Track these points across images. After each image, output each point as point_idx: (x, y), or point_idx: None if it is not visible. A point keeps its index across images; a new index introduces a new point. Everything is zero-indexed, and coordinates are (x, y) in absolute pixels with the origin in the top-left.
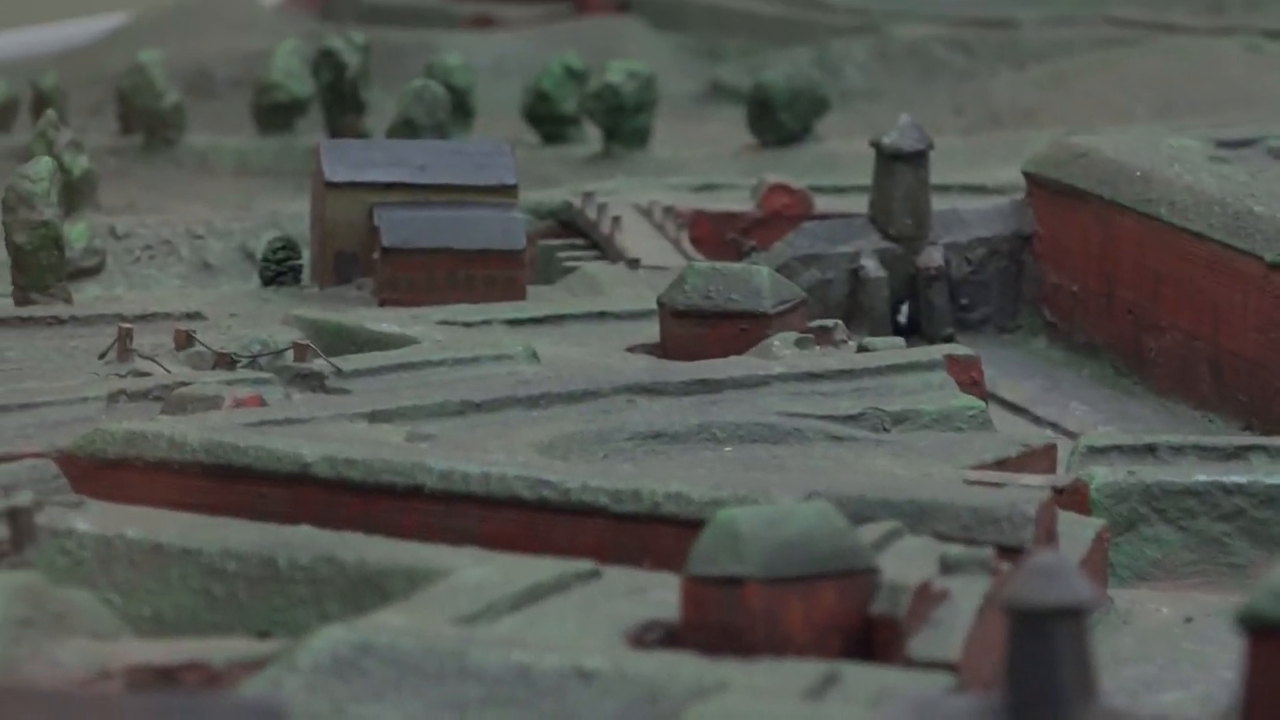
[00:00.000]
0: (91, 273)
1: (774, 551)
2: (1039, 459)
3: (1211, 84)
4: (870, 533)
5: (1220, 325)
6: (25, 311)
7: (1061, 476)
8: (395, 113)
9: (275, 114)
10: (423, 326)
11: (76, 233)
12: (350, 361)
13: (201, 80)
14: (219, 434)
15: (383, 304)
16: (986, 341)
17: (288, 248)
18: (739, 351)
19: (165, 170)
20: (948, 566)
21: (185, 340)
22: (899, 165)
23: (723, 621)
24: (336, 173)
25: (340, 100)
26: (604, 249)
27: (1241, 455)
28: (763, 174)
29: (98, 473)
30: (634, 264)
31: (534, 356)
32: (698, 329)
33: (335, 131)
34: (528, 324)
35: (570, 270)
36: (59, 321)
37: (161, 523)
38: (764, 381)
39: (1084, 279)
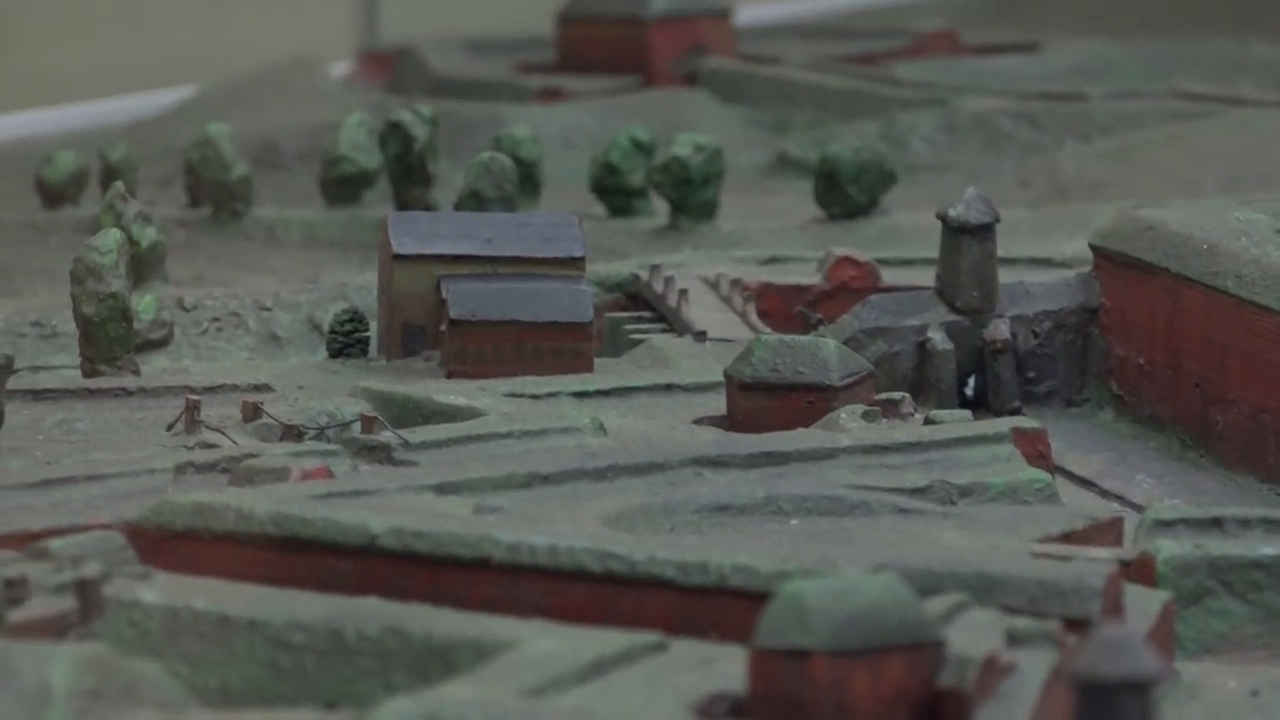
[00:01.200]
0: (159, 345)
1: (840, 624)
2: (1105, 532)
3: (1279, 157)
4: (937, 605)
5: None
6: (93, 383)
7: (1128, 549)
8: (463, 185)
9: (343, 186)
10: (490, 399)
11: (144, 305)
12: (417, 434)
13: (269, 153)
14: (286, 506)
15: (450, 376)
16: (1053, 414)
17: (355, 320)
18: (806, 424)
19: (233, 242)
20: (1014, 639)
21: (253, 412)
22: (966, 238)
23: (789, 694)
24: (404, 245)
25: (408, 173)
26: (671, 322)
27: None
28: (830, 247)
29: (165, 544)
30: (701, 337)
31: (601, 429)
32: (764, 402)
33: (403, 204)
34: (595, 396)
35: (637, 343)
36: (127, 393)
37: (229, 594)
38: (831, 454)
39: (1151, 352)
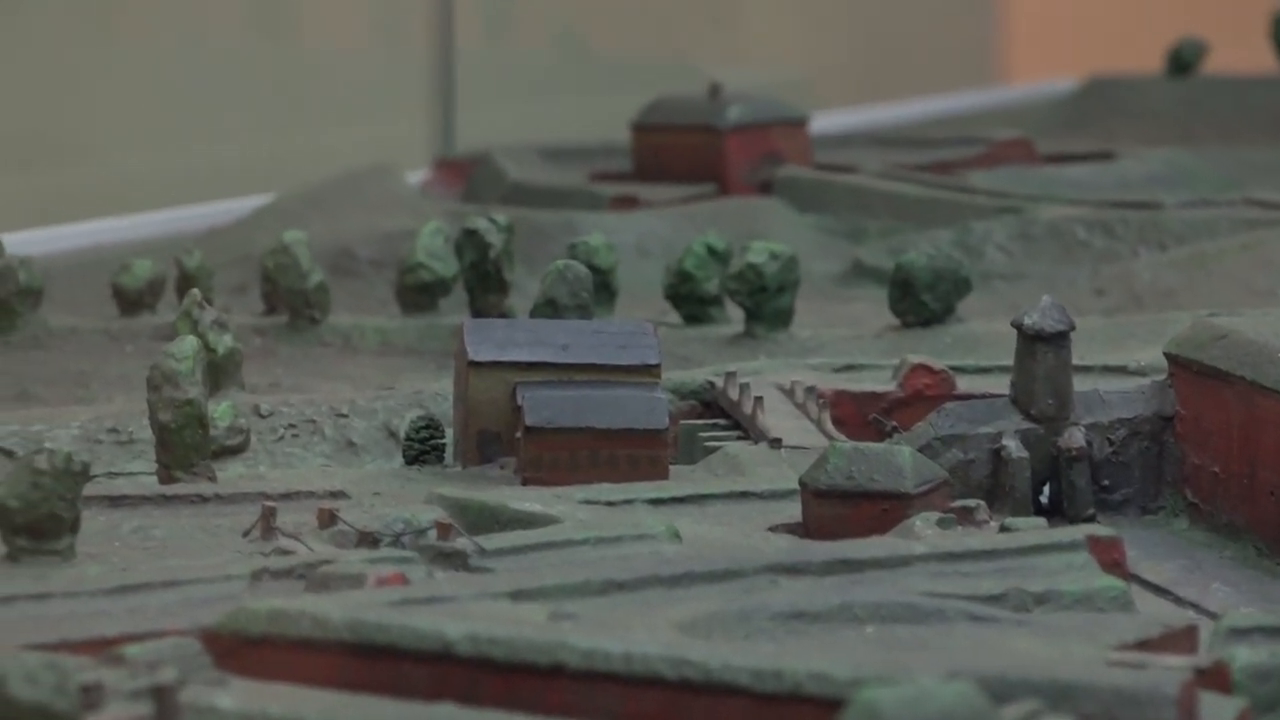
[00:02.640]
0: (235, 451)
1: None
2: (1181, 640)
3: None
4: (1012, 713)
5: None
6: (170, 490)
7: (1203, 657)
8: (538, 292)
9: (419, 294)
10: (565, 505)
11: (221, 411)
12: (493, 540)
13: (345, 260)
14: (362, 612)
15: (525, 483)
16: (1128, 522)
17: (431, 427)
18: (881, 531)
19: (309, 350)
20: None
21: (329, 519)
22: (1041, 346)
23: None
24: (480, 352)
25: (484, 280)
26: (746, 429)
27: None
28: (904, 354)
29: (241, 651)
30: (776, 444)
31: (676, 536)
32: (840, 509)
33: (478, 311)
34: (670, 503)
35: (712, 450)
36: (203, 500)
37: (304, 701)
38: (906, 561)
39: (1226, 460)
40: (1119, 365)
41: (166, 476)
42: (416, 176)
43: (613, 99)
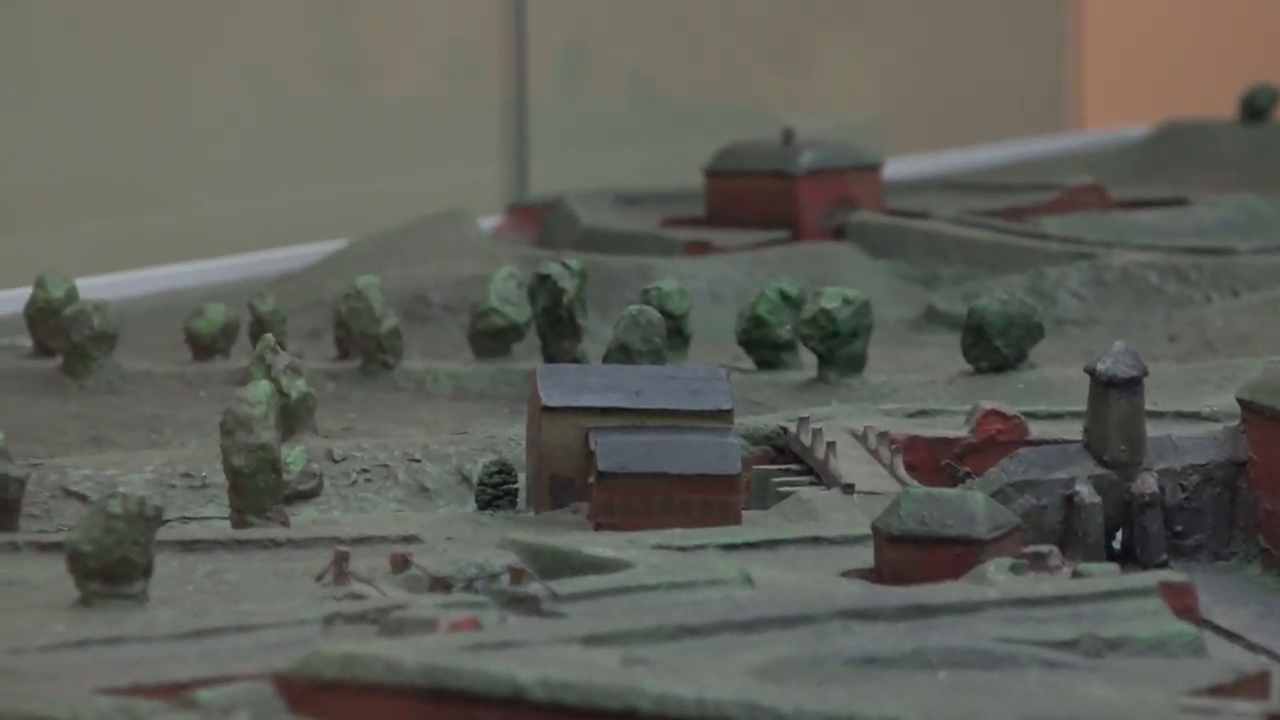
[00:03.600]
0: (309, 496)
1: None
2: (1253, 685)
3: None
4: None
5: None
6: (243, 534)
7: (1276, 702)
8: (611, 338)
9: (492, 339)
10: (638, 550)
11: (294, 456)
12: (565, 585)
13: (418, 305)
14: (435, 657)
15: (598, 528)
16: (1201, 568)
17: (504, 472)
18: (953, 577)
19: (382, 394)
20: None
21: (401, 563)
22: (1114, 392)
23: None
24: (553, 397)
25: (556, 325)
26: (819, 474)
27: None
28: (977, 400)
29: (314, 695)
30: (848, 489)
31: (748, 581)
32: (912, 554)
33: (551, 356)
34: (742, 549)
35: (785, 495)
36: (276, 544)
37: None
38: (978, 607)
39: None
40: (1192, 411)
41: (240, 521)
42: (490, 222)
43: (686, 144)
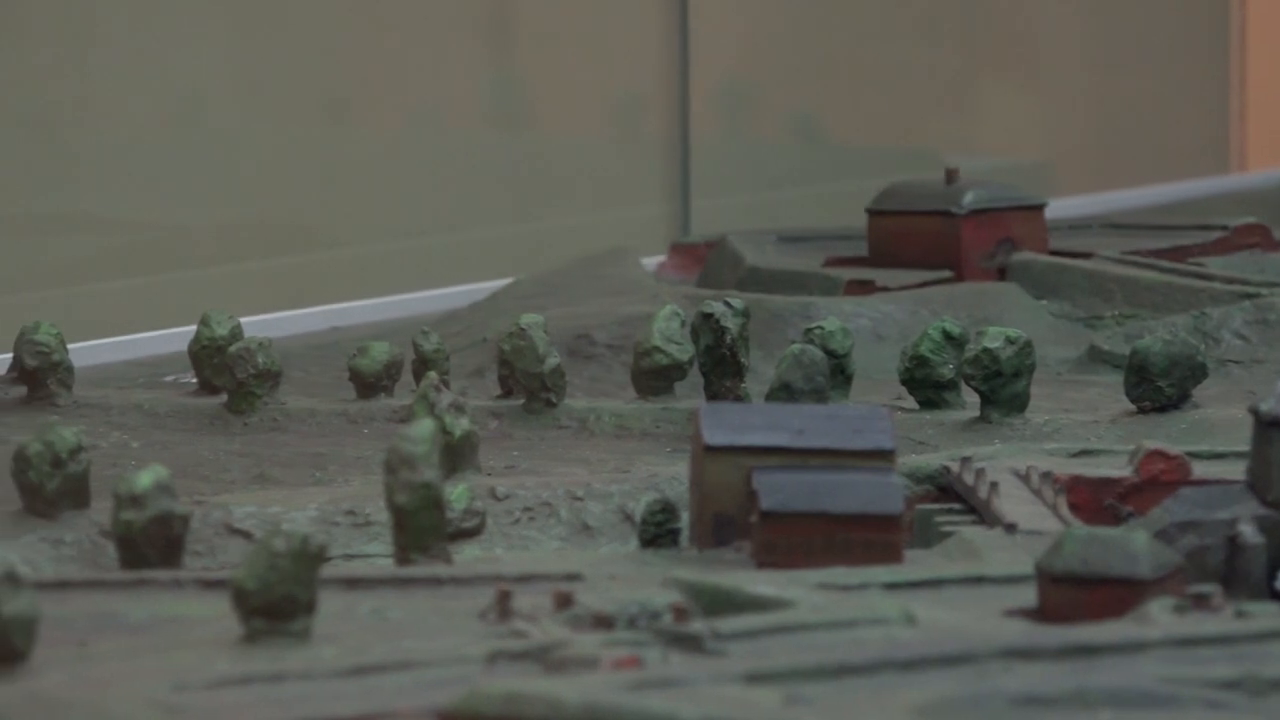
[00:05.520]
0: (471, 534)
1: None
2: None
3: None
4: None
5: None
6: (406, 572)
7: None
8: (774, 376)
9: (654, 377)
10: (800, 589)
11: (457, 494)
12: (727, 624)
13: (581, 343)
14: (597, 695)
15: (760, 567)
16: None
17: (666, 510)
18: (1116, 617)
19: (545, 432)
20: None
21: (564, 601)
22: (1277, 432)
23: None
24: (715, 436)
25: (719, 364)
26: (981, 514)
27: None
28: (1140, 440)
29: None
30: (1011, 529)
31: (910, 620)
32: (1075, 594)
33: (714, 395)
34: (904, 588)
35: (948, 535)
36: (439, 582)
37: None
38: (1141, 647)
39: None
40: None
41: (403, 558)
42: (653, 261)
43: (848, 185)
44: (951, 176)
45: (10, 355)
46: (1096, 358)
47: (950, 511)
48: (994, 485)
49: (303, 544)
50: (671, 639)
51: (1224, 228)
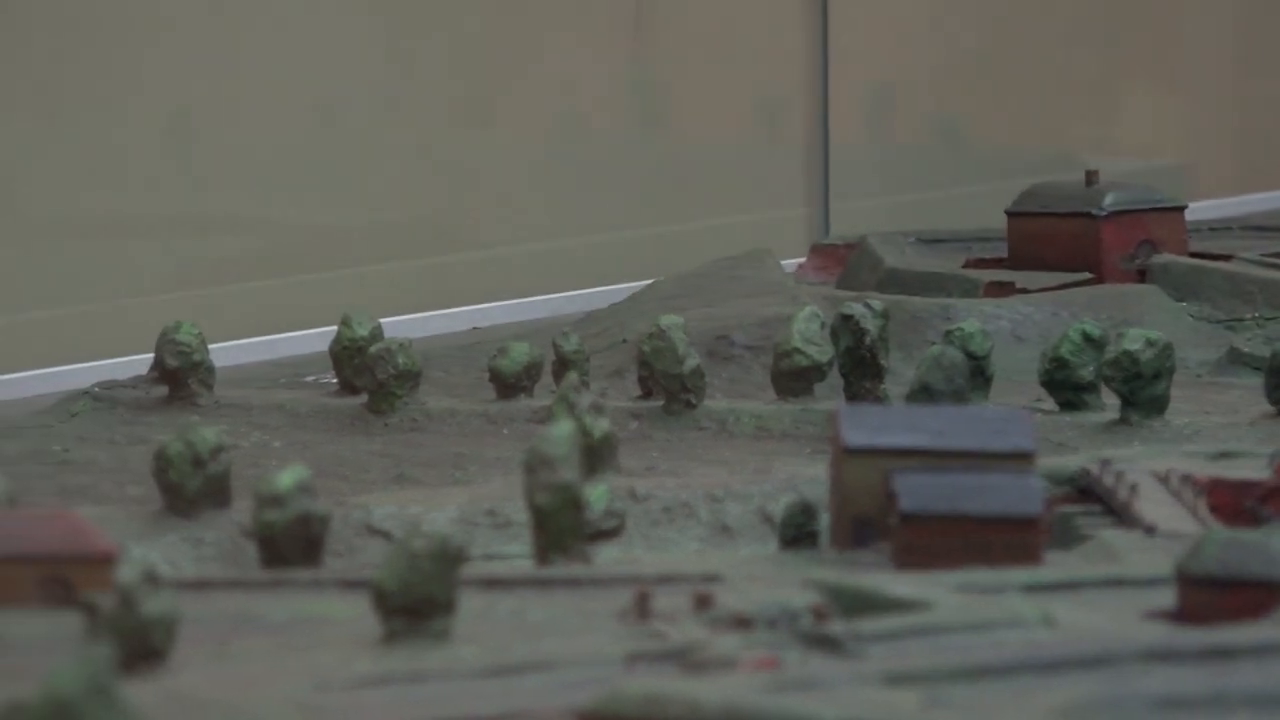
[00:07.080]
0: (611, 535)
1: None
2: None
3: None
4: None
5: None
6: (545, 573)
7: None
8: (913, 378)
9: (794, 379)
10: (938, 591)
11: (596, 495)
12: (866, 625)
13: (721, 345)
14: (736, 696)
15: (899, 568)
16: None
17: (806, 512)
18: (1256, 619)
19: (684, 433)
20: None
21: (703, 602)
22: None
23: None
24: (855, 438)
25: (859, 365)
26: (1121, 516)
27: None
28: None
29: None
30: (1151, 531)
31: (1049, 622)
32: (1215, 596)
33: (853, 396)
34: (1043, 590)
35: (1087, 537)
36: (578, 583)
37: None
38: None
39: None
40: None
41: (542, 559)
42: (792, 262)
43: (988, 186)
44: (1092, 178)
45: (152, 355)
46: (1236, 360)
47: (1089, 514)
48: (1134, 487)
49: (442, 544)
50: (811, 640)
51: None
